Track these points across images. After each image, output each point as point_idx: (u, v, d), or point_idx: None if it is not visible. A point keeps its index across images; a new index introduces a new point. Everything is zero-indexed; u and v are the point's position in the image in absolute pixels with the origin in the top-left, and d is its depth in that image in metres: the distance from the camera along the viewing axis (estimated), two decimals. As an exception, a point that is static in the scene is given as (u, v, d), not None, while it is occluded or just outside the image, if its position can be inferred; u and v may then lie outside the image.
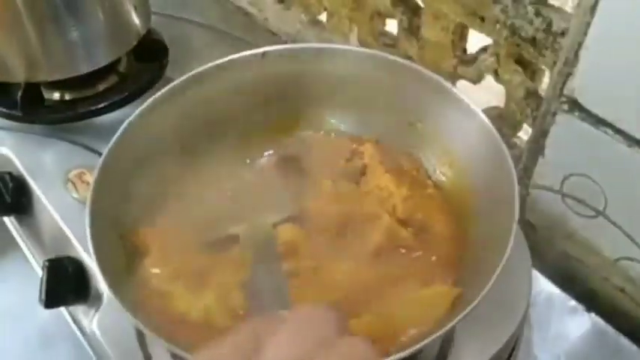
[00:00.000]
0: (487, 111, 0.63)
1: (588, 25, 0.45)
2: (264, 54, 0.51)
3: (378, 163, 0.47)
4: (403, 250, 0.43)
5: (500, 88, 0.60)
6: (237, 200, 0.46)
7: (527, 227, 0.60)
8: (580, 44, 0.47)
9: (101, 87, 0.70)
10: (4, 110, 0.67)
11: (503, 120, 0.61)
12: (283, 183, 0.46)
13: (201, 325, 0.40)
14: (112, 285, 0.36)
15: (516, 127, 0.61)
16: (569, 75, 0.49)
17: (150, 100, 0.46)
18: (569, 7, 0.51)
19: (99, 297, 0.51)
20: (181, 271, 0.42)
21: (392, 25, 0.69)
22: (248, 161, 0.50)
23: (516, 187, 0.39)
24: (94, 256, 0.37)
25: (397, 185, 0.45)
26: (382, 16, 0.69)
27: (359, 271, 0.41)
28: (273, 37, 0.83)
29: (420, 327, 0.38)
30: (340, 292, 0.40)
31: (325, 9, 0.76)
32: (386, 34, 0.70)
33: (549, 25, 0.51)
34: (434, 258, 0.43)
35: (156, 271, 0.42)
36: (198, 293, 0.41)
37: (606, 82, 0.46)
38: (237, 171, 0.48)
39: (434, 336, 0.34)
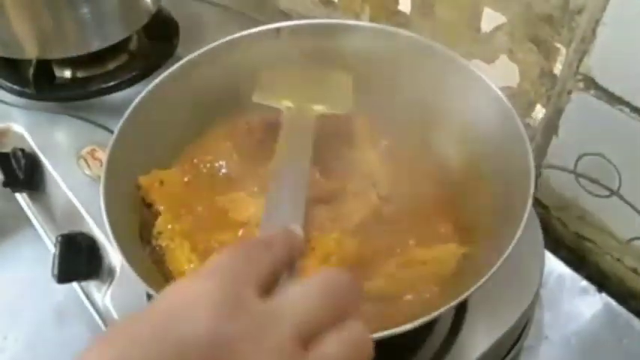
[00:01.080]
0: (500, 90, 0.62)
1: (607, 1, 0.45)
2: (278, 30, 0.50)
3: (366, 138, 0.47)
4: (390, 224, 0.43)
5: (512, 68, 0.60)
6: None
7: (539, 207, 0.60)
8: (597, 21, 0.46)
9: (112, 65, 0.70)
10: (16, 87, 0.67)
11: (517, 100, 0.61)
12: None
13: None
14: (124, 250, 0.36)
15: (530, 107, 0.60)
16: (585, 53, 0.48)
17: (163, 74, 0.46)
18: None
19: (111, 272, 0.51)
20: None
21: (404, 4, 0.68)
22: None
23: (531, 158, 0.39)
24: (107, 223, 0.37)
25: (382, 161, 0.45)
26: (395, -6, 0.68)
27: (354, 242, 0.42)
28: (285, 16, 0.83)
29: (430, 286, 0.39)
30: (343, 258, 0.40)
31: (337, -12, 0.75)
32: (398, 12, 0.70)
33: (566, 2, 0.50)
34: (422, 229, 0.43)
35: (168, 227, 0.42)
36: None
37: (624, 59, 0.46)
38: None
39: (453, 303, 0.34)
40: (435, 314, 0.34)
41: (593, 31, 0.47)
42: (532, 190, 0.38)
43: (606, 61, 0.47)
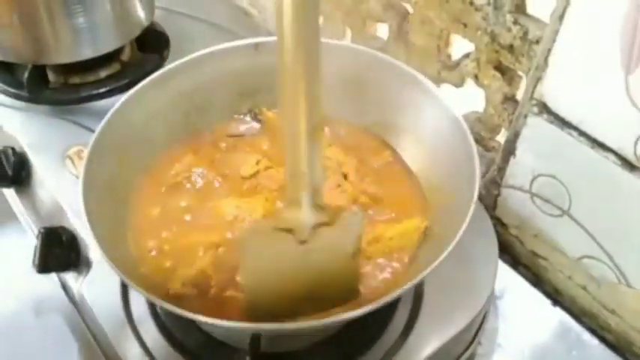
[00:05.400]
0: (467, 115, 0.66)
1: (557, 32, 0.49)
2: (257, 45, 0.54)
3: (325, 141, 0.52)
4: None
5: (480, 93, 0.64)
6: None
7: (499, 225, 0.63)
8: (549, 51, 0.50)
9: (103, 73, 0.73)
10: (11, 90, 0.70)
11: (483, 123, 0.65)
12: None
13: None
14: (100, 239, 0.39)
15: (494, 130, 0.64)
16: (539, 79, 0.52)
17: (145, 80, 0.50)
18: (545, 17, 0.55)
19: (88, 264, 0.54)
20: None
21: (383, 31, 0.73)
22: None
23: (475, 151, 0.45)
24: (84, 212, 0.40)
25: (345, 155, 0.49)
26: (374, 20, 0.72)
27: None
28: (272, 36, 0.87)
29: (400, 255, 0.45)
30: None
31: (321, 12, 0.79)
32: (377, 38, 0.74)
33: (526, 33, 0.54)
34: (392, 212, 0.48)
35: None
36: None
37: (571, 86, 0.50)
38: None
39: (415, 281, 0.38)
40: (394, 294, 0.37)
41: (546, 60, 0.51)
42: (478, 173, 0.43)
43: (556, 88, 0.51)
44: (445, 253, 0.38)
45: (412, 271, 0.42)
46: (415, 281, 0.38)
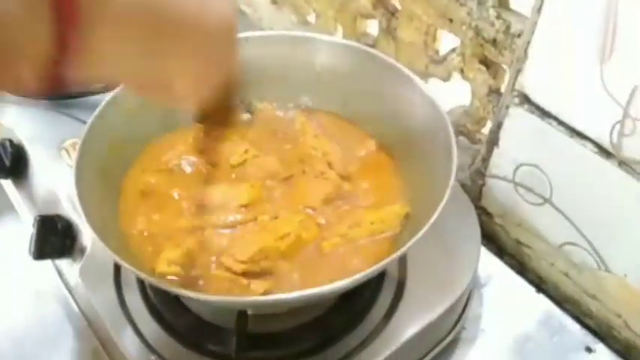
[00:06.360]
0: (454, 108, 0.68)
1: (535, 25, 0.51)
2: (246, 39, 0.56)
3: (307, 128, 0.54)
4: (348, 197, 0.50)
5: (466, 87, 0.65)
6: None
7: (484, 215, 0.65)
8: (529, 43, 0.52)
9: (100, 68, 0.75)
10: (9, 85, 0.72)
11: (469, 116, 0.66)
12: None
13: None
14: (92, 222, 0.41)
15: (480, 122, 0.66)
16: (519, 71, 0.54)
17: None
18: (527, 11, 0.57)
19: (83, 251, 0.56)
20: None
21: (373, 27, 0.74)
22: None
23: (453, 136, 0.46)
24: (77, 196, 0.42)
25: (331, 145, 0.51)
26: (364, 17, 0.74)
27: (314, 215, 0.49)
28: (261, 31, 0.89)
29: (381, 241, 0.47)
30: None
31: (313, 10, 0.81)
32: (367, 34, 0.76)
33: (508, 27, 0.56)
34: (375, 199, 0.50)
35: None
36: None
37: (549, 77, 0.51)
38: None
39: (394, 255, 0.40)
40: (378, 266, 0.39)
41: (525, 52, 0.52)
42: (455, 154, 0.45)
43: (536, 79, 0.53)
44: (425, 228, 0.40)
45: (393, 253, 0.43)
46: (395, 256, 0.39)
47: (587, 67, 0.48)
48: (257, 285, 0.43)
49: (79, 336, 0.59)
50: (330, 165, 0.51)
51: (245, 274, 0.44)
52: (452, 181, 0.42)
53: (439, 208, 0.40)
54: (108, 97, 0.51)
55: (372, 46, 0.74)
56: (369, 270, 0.38)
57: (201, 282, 0.44)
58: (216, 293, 0.41)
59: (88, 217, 0.41)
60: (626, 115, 0.47)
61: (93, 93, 0.72)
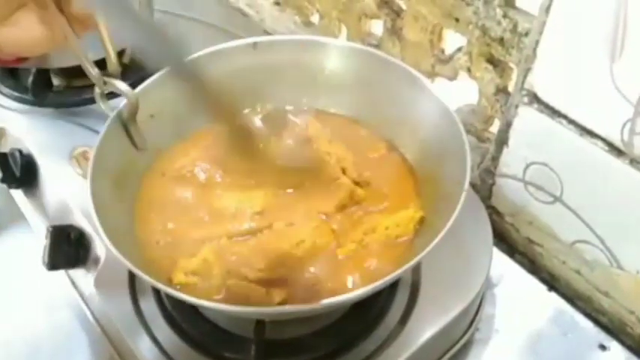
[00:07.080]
0: (462, 107, 0.68)
1: (544, 24, 0.50)
2: (255, 44, 0.56)
3: (321, 134, 0.54)
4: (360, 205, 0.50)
5: (473, 86, 0.65)
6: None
7: (495, 214, 0.65)
8: (537, 42, 0.52)
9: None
10: (16, 94, 0.72)
11: (476, 115, 0.66)
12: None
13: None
14: (107, 231, 0.41)
15: (488, 121, 0.66)
16: (528, 70, 0.54)
17: (148, 81, 0.52)
18: (533, 10, 0.57)
19: (97, 261, 0.56)
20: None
21: (378, 27, 0.74)
22: None
23: (466, 142, 0.46)
24: (92, 206, 0.42)
25: (345, 151, 0.51)
26: (368, 17, 0.74)
27: (328, 221, 0.49)
28: (269, 35, 0.89)
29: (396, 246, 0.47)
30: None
31: (317, 11, 0.81)
32: (371, 35, 0.76)
33: (515, 26, 0.56)
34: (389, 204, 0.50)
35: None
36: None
37: (559, 76, 0.51)
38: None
39: (412, 263, 0.40)
40: (393, 275, 0.39)
41: (534, 51, 0.52)
42: (469, 167, 0.45)
43: (545, 78, 0.53)
44: (440, 235, 0.40)
45: (409, 258, 0.43)
46: (412, 263, 0.39)
47: (597, 66, 0.48)
48: (274, 293, 0.43)
49: (94, 345, 0.59)
50: (344, 170, 0.51)
51: (262, 282, 0.44)
52: (466, 185, 0.42)
53: (454, 214, 0.40)
54: (119, 107, 0.51)
55: (377, 46, 0.74)
56: (388, 277, 0.38)
57: (218, 291, 0.44)
58: (236, 303, 0.41)
59: (104, 230, 0.41)
60: (636, 113, 0.47)
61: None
